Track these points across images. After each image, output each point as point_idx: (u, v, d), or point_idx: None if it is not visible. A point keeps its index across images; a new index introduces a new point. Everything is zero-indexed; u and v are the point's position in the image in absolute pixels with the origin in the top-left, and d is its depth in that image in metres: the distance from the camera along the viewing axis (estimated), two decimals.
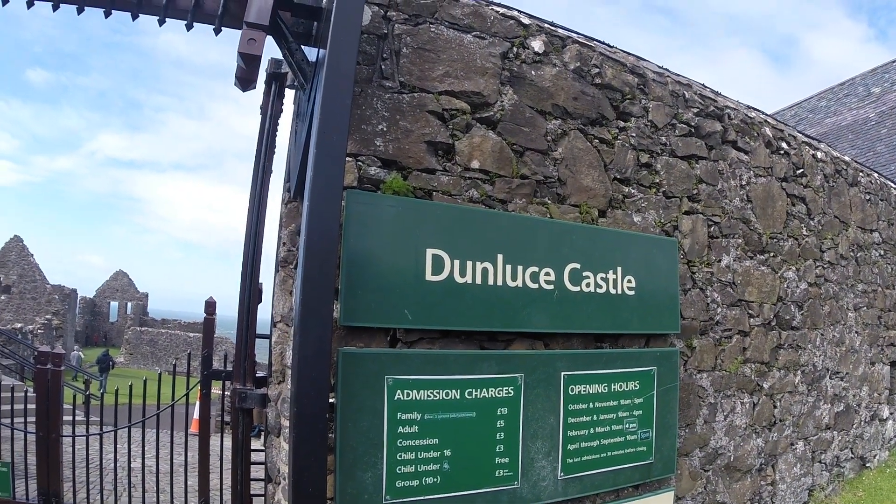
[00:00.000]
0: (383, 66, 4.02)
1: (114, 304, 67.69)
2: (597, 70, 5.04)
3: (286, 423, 4.04)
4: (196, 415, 16.53)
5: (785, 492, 6.93)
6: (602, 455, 4.81)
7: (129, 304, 65.86)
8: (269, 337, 5.69)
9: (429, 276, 3.86)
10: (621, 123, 5.21)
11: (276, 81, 5.29)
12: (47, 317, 44.77)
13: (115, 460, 7.95)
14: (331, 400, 3.43)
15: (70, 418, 8.01)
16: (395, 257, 3.78)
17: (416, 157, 4.02)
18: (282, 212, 4.73)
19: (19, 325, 37.40)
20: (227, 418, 8.83)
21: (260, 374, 5.38)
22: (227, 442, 7.89)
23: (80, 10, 4.41)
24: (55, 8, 4.40)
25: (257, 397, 4.82)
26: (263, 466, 5.75)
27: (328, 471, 3.39)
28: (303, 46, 4.36)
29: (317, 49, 4.17)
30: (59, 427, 7.69)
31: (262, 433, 6.89)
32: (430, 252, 3.88)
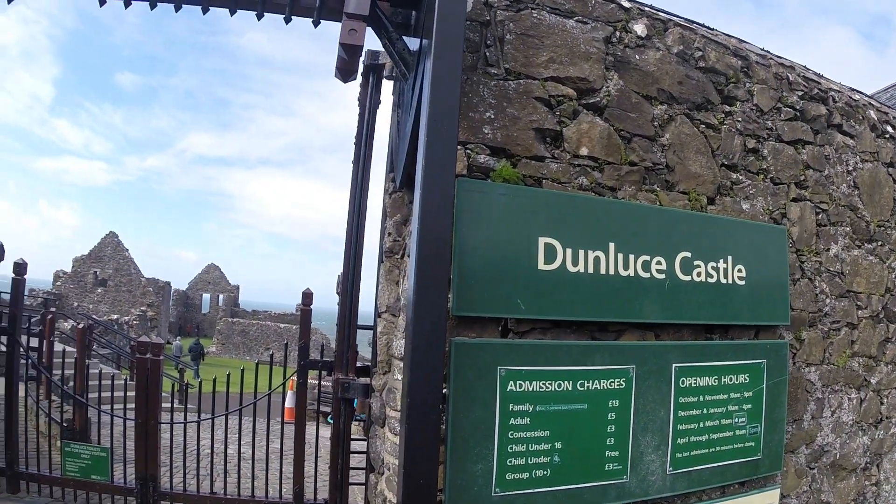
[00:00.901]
0: (487, 54, 3.96)
1: (206, 296, 69.71)
2: (700, 53, 4.89)
3: (392, 413, 4.03)
4: (288, 404, 16.81)
5: (889, 493, 6.65)
6: (710, 450, 4.66)
7: (221, 296, 67.75)
8: (370, 328, 5.72)
9: (541, 266, 3.78)
10: (727, 108, 5.03)
11: (374, 73, 5.28)
12: (142, 308, 46.19)
13: (212, 446, 8.09)
14: (443, 391, 3.39)
15: (165, 406, 8.19)
16: (507, 246, 3.72)
17: (525, 144, 3.95)
18: (385, 202, 4.71)
19: (115, 317, 38.69)
20: (320, 407, 8.96)
21: (361, 364, 5.40)
22: (321, 431, 8.00)
23: (177, 8, 4.46)
24: (153, 6, 4.45)
25: (360, 387, 4.84)
26: (363, 455, 5.78)
27: (438, 462, 3.36)
28: (403, 37, 4.35)
29: (418, 39, 4.14)
30: (157, 414, 7.90)
31: (361, 422, 6.93)
32: (542, 240, 3.80)
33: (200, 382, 8.38)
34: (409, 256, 3.99)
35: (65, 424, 9.93)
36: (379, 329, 4.43)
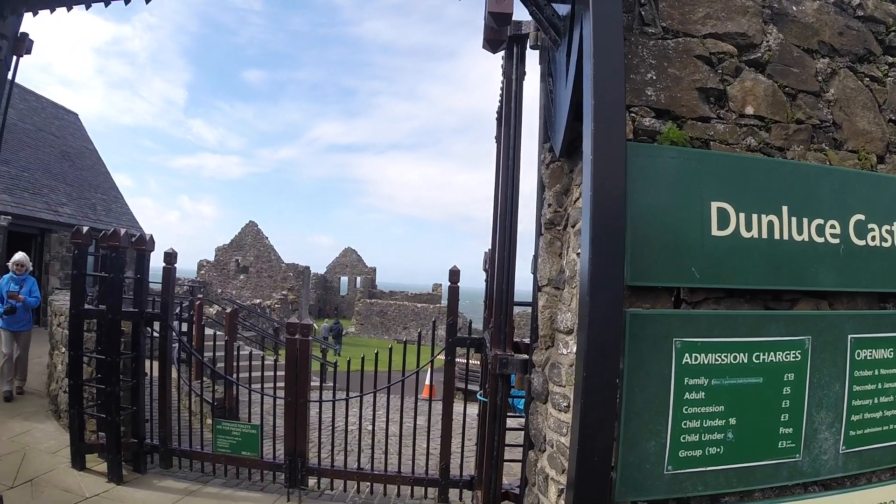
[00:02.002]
0: (642, 13, 3.79)
1: (344, 279, 71.43)
2: (857, 1, 4.53)
3: (556, 388, 3.92)
4: (427, 381, 17.01)
5: None
6: (883, 428, 4.28)
7: (359, 279, 69.29)
8: (524, 304, 5.61)
9: (714, 231, 3.56)
10: (889, 59, 4.62)
11: (518, 44, 5.14)
12: (283, 292, 47.63)
13: (360, 424, 8.20)
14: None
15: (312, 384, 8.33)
16: (679, 212, 3.52)
17: (689, 105, 3.74)
18: (541, 173, 4.56)
19: (258, 301, 40.02)
20: (465, 386, 8.96)
21: (517, 340, 5.29)
22: (459, 408, 7.99)
23: None
24: None
25: (518, 363, 4.73)
26: (512, 433, 5.70)
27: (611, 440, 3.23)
28: (551, 2, 4.20)
29: (567, 4, 3.97)
30: (306, 392, 8.06)
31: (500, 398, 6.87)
32: (714, 205, 3.58)
33: (349, 362, 8.49)
34: (572, 227, 3.86)
35: (214, 403, 10.27)
36: (541, 303, 4.30)
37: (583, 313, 3.14)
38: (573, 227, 3.87)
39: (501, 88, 6.17)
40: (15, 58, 5.89)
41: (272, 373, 15.32)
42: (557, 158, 4.20)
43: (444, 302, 62.39)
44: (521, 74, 5.08)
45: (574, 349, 3.58)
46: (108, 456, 8.10)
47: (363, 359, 8.35)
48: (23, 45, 5.85)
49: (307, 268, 58.04)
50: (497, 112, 6.81)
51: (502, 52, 5.52)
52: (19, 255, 11.86)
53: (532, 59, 5.11)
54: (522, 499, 4.86)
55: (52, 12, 5.51)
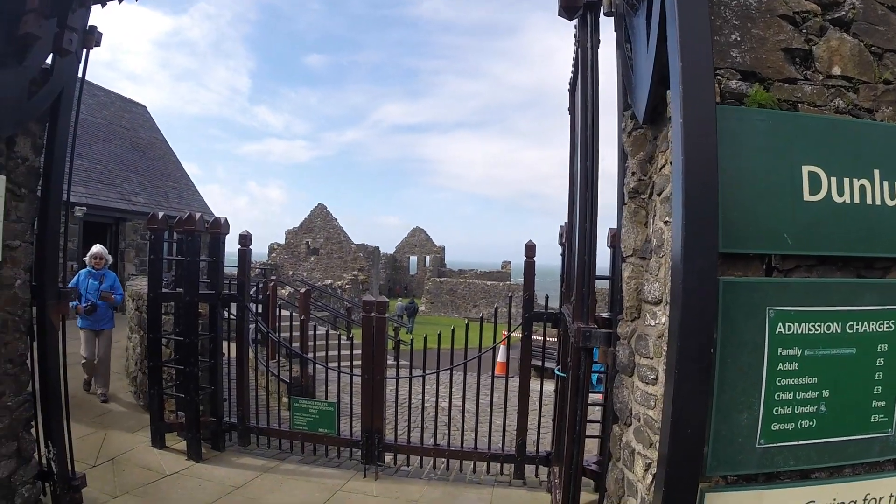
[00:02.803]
0: None
1: (413, 258, 71.91)
2: None
3: (643, 361, 3.85)
4: (500, 359, 17.01)
5: None
6: None
7: (428, 258, 69.71)
8: (604, 278, 5.54)
9: (806, 196, 3.41)
10: None
11: (591, 11, 5.02)
12: (354, 273, 48.08)
13: (437, 401, 8.25)
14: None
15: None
16: (769, 176, 3.38)
17: (775, 66, 3.59)
18: (623, 142, 4.46)
19: (329, 282, 40.51)
20: (540, 362, 8.92)
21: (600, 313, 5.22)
22: (537, 385, 7.97)
23: None
24: None
25: (602, 336, 4.65)
26: (593, 408, 5.65)
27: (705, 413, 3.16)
28: None
29: None
30: (383, 369, 8.16)
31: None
32: (805, 169, 3.43)
33: (425, 338, 8.54)
34: (657, 195, 3.77)
35: (290, 382, 10.41)
36: (626, 274, 4.21)
37: (675, 282, 3.09)
38: (659, 195, 3.78)
39: (574, 59, 6.07)
40: (85, 50, 6.05)
41: (346, 352, 15.50)
42: (640, 125, 4.10)
43: (514, 279, 62.36)
44: (596, 42, 4.97)
45: (663, 320, 3.53)
46: (187, 434, 8.35)
47: (440, 336, 8.37)
48: (92, 37, 6.01)
49: (377, 248, 58.42)
50: (570, 83, 6.72)
51: (574, 23, 5.43)
52: (97, 248, 11.06)
53: (605, 27, 5.01)
54: (604, 474, 4.79)
55: (119, 2, 5.57)
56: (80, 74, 6.20)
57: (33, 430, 5.99)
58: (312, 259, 55.21)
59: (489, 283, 56.22)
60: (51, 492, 6.13)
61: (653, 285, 3.81)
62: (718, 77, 3.43)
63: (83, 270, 10.86)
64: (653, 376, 3.67)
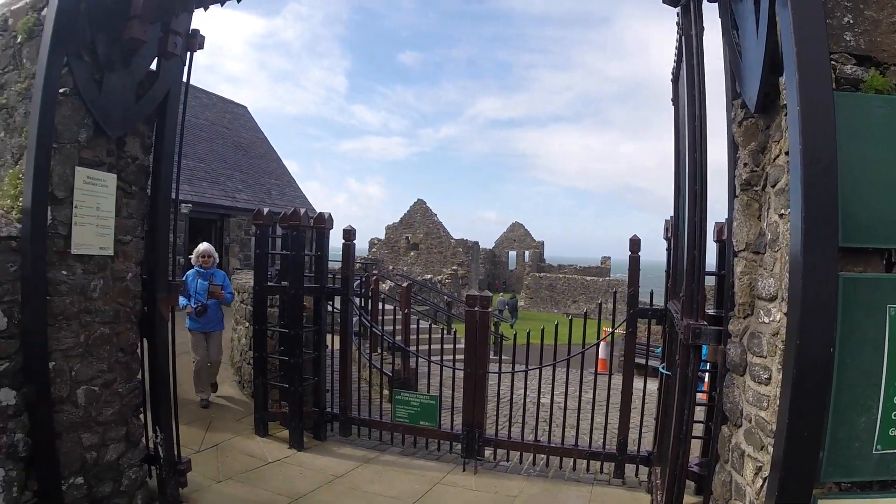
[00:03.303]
0: None
1: (512, 253, 72.32)
2: None
3: (755, 360, 3.71)
4: (601, 355, 16.86)
5: None
6: None
7: (527, 253, 69.98)
8: (711, 273, 5.42)
9: None
10: None
11: None
12: (453, 268, 48.53)
13: (538, 397, 8.21)
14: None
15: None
16: (889, 166, 3.22)
17: (891, 49, 3.37)
18: (733, 132, 4.30)
19: (428, 277, 40.95)
20: (645, 360, 8.76)
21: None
22: (639, 384, 7.83)
23: None
24: None
25: (712, 333, 4.52)
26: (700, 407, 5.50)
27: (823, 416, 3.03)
28: None
29: None
30: (486, 364, 8.17)
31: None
32: None
33: (528, 334, 8.50)
34: (771, 187, 3.63)
35: (391, 375, 10.52)
36: (738, 269, 4.07)
37: (793, 278, 2.96)
38: (773, 186, 3.62)
39: (677, 47, 5.92)
40: (189, 53, 6.27)
41: (447, 346, 15.59)
42: (751, 115, 3.95)
43: (613, 275, 61.75)
44: (701, 29, 4.83)
45: (778, 317, 3.38)
46: (290, 424, 8.58)
47: (543, 331, 8.33)
48: (195, 40, 6.24)
49: (476, 243, 58.70)
50: (672, 73, 6.57)
51: (676, 10, 5.29)
52: (204, 246, 10.66)
53: (708, 14, 4.86)
54: (709, 476, 4.66)
55: (222, 5, 5.73)
56: (184, 77, 6.46)
57: (141, 416, 6.31)
58: (412, 254, 55.92)
59: (588, 278, 55.98)
60: (156, 475, 6.42)
61: (767, 281, 3.66)
62: (833, 62, 3.25)
63: (191, 271, 10.48)
64: (766, 376, 3.53)
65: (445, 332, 16.74)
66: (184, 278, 10.29)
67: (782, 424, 2.94)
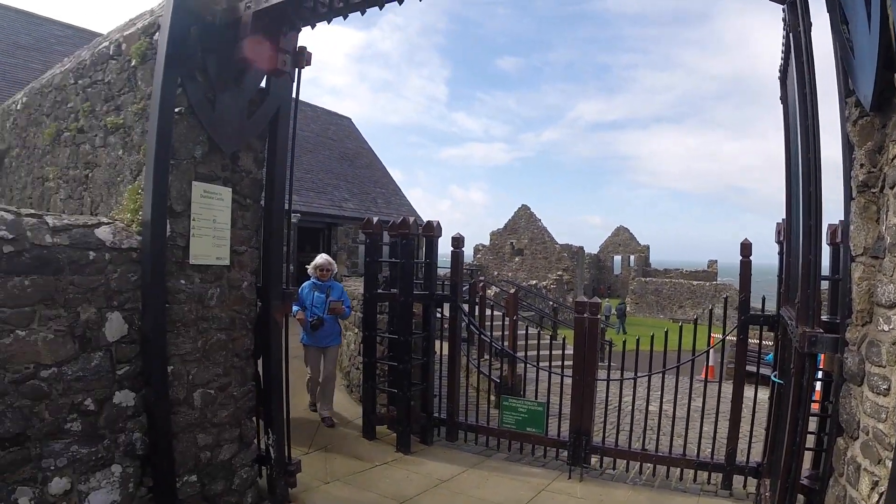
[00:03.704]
0: None
1: (616, 258, 72.02)
2: None
3: (874, 369, 3.59)
4: (710, 362, 16.55)
5: None
6: None
7: (632, 257, 69.49)
8: (829, 278, 5.31)
9: None
10: None
11: None
12: (558, 273, 48.40)
13: (647, 405, 8.13)
14: None
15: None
16: None
17: None
18: (847, 131, 4.16)
19: (533, 282, 41.00)
20: (757, 368, 8.60)
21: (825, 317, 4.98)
22: (749, 392, 7.67)
23: None
24: None
25: (828, 341, 4.39)
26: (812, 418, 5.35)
27: None
28: None
29: None
30: (594, 371, 8.15)
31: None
32: None
33: (637, 340, 8.42)
34: (890, 188, 3.51)
35: (498, 381, 10.54)
36: (856, 275, 3.94)
37: None
38: (892, 188, 3.49)
39: (783, 44, 5.81)
40: (297, 70, 6.51)
41: (556, 352, 15.55)
42: (866, 113, 3.81)
43: (720, 279, 60.53)
44: (808, 25, 4.70)
45: None
46: (397, 427, 8.79)
47: (652, 337, 8.26)
48: (302, 57, 6.47)
49: (581, 248, 58.39)
50: (780, 70, 6.43)
51: (782, 7, 5.20)
52: (322, 259, 10.04)
53: (815, 8, 4.73)
54: (822, 490, 4.54)
55: (329, 23, 5.90)
56: (293, 93, 6.75)
57: (254, 419, 6.60)
58: (517, 259, 55.98)
59: (695, 283, 55.18)
60: (266, 475, 6.71)
61: (887, 287, 3.52)
62: None
63: (307, 283, 9.95)
64: (885, 386, 3.41)
65: (552, 338, 16.71)
66: (299, 291, 9.78)
67: None
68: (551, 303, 31.94)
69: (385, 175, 32.01)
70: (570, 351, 15.42)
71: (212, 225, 5.88)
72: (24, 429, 4.59)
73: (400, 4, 5.57)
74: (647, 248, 71.63)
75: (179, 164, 5.62)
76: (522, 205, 57.75)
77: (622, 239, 72.35)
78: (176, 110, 5.51)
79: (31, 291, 4.63)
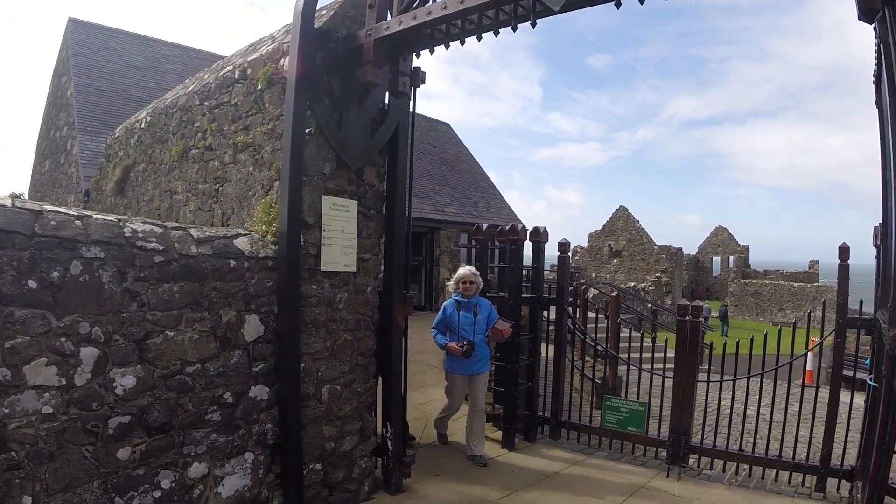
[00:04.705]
0: None
1: (716, 259, 70.96)
2: None
3: None
4: (808, 366, 16.50)
5: None
6: None
7: (731, 258, 68.36)
8: None
9: None
10: None
11: (890, 7, 4.95)
12: (657, 275, 48.09)
13: (745, 407, 8.35)
14: None
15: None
16: None
17: None
18: None
19: (632, 284, 40.95)
20: (855, 373, 8.66)
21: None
22: (846, 398, 7.80)
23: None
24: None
25: None
26: None
27: None
28: None
29: None
30: (695, 373, 8.41)
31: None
32: None
33: (737, 343, 8.65)
34: None
35: (599, 381, 10.86)
36: None
37: None
38: None
39: (876, 51, 5.96)
40: (413, 89, 7.04)
41: (653, 354, 15.77)
42: None
43: (822, 280, 58.85)
44: None
45: None
46: (503, 425, 9.21)
47: (752, 340, 8.44)
48: (418, 77, 6.99)
49: (679, 249, 57.79)
50: (874, 75, 6.54)
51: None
52: (466, 271, 8.68)
53: None
54: None
55: (431, 53, 6.36)
56: (410, 109, 7.32)
57: (373, 413, 7.18)
58: (615, 261, 55.82)
59: (795, 284, 53.77)
60: (382, 465, 7.25)
61: None
62: None
63: (448, 302, 8.72)
64: None
65: (651, 340, 16.87)
66: (441, 310, 8.74)
67: None
68: (649, 305, 31.92)
69: (485, 179, 32.34)
70: (669, 354, 15.62)
71: (340, 235, 6.46)
72: (170, 418, 5.18)
73: (533, 27, 5.53)
74: (747, 248, 70.54)
75: (311, 180, 6.19)
76: (620, 206, 57.51)
77: (721, 239, 71.35)
78: (306, 131, 6.08)
79: (179, 297, 5.24)
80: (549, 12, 5.20)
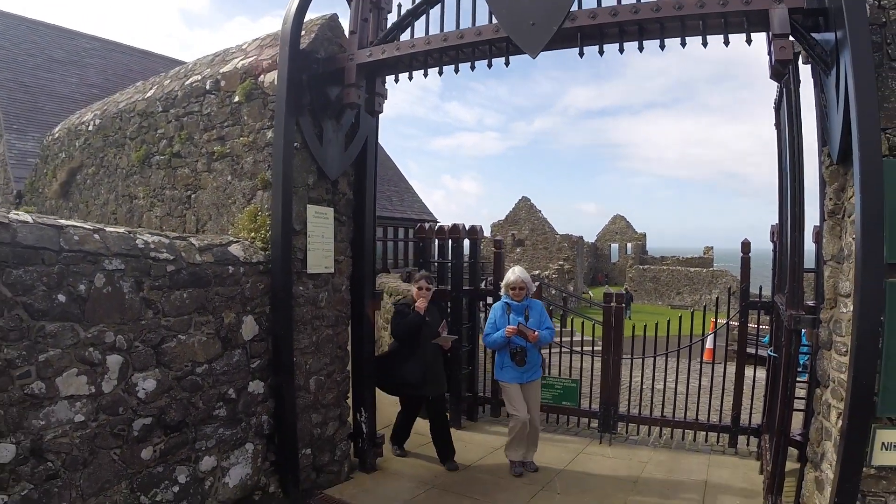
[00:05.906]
0: (889, 51, 4.58)
1: (614, 246, 71.98)
2: None
3: (837, 338, 4.94)
4: (708, 345, 17.83)
5: None
6: None
7: (629, 245, 69.03)
8: (811, 271, 6.53)
9: None
10: None
11: (792, 63, 5.78)
12: (559, 263, 48.90)
13: (665, 381, 9.45)
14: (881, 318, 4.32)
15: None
16: None
17: None
18: (822, 172, 5.39)
19: (536, 272, 41.78)
20: (756, 350, 9.93)
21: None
22: (740, 370, 9.03)
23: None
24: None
25: (808, 320, 5.66)
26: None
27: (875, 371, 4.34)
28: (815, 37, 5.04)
29: (830, 33, 4.81)
30: (621, 351, 9.44)
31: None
32: None
33: (645, 327, 9.77)
34: (848, 217, 4.83)
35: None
36: (826, 274, 5.21)
37: (856, 282, 4.26)
38: (849, 217, 4.77)
39: (777, 90, 6.97)
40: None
41: (571, 339, 16.52)
42: (834, 162, 5.09)
43: (716, 265, 60.13)
44: (798, 83, 5.87)
45: (852, 308, 4.52)
46: (450, 407, 9.79)
47: (656, 325, 9.59)
48: (383, 97, 7.43)
49: (580, 238, 58.44)
50: (775, 102, 7.49)
51: None
52: (516, 275, 8.09)
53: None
54: (805, 444, 5.83)
55: (425, 76, 6.92)
56: (375, 125, 7.86)
57: (347, 400, 7.77)
58: (518, 250, 56.47)
59: (692, 269, 55.09)
60: (357, 447, 7.87)
61: (845, 283, 4.88)
62: (887, 135, 4.44)
63: (498, 304, 8.24)
64: (844, 349, 4.74)
65: (562, 326, 17.61)
66: (490, 314, 8.33)
67: (850, 377, 4.32)
68: (554, 291, 32.64)
69: (397, 174, 32.40)
70: (579, 337, 16.55)
71: (321, 240, 7.06)
72: (184, 416, 5.57)
73: (507, 66, 6.35)
74: (644, 235, 72.40)
75: (297, 190, 6.73)
76: (523, 196, 58.06)
77: (619, 227, 73.03)
78: (294, 145, 6.65)
79: (189, 302, 5.64)
80: (522, 52, 5.87)
